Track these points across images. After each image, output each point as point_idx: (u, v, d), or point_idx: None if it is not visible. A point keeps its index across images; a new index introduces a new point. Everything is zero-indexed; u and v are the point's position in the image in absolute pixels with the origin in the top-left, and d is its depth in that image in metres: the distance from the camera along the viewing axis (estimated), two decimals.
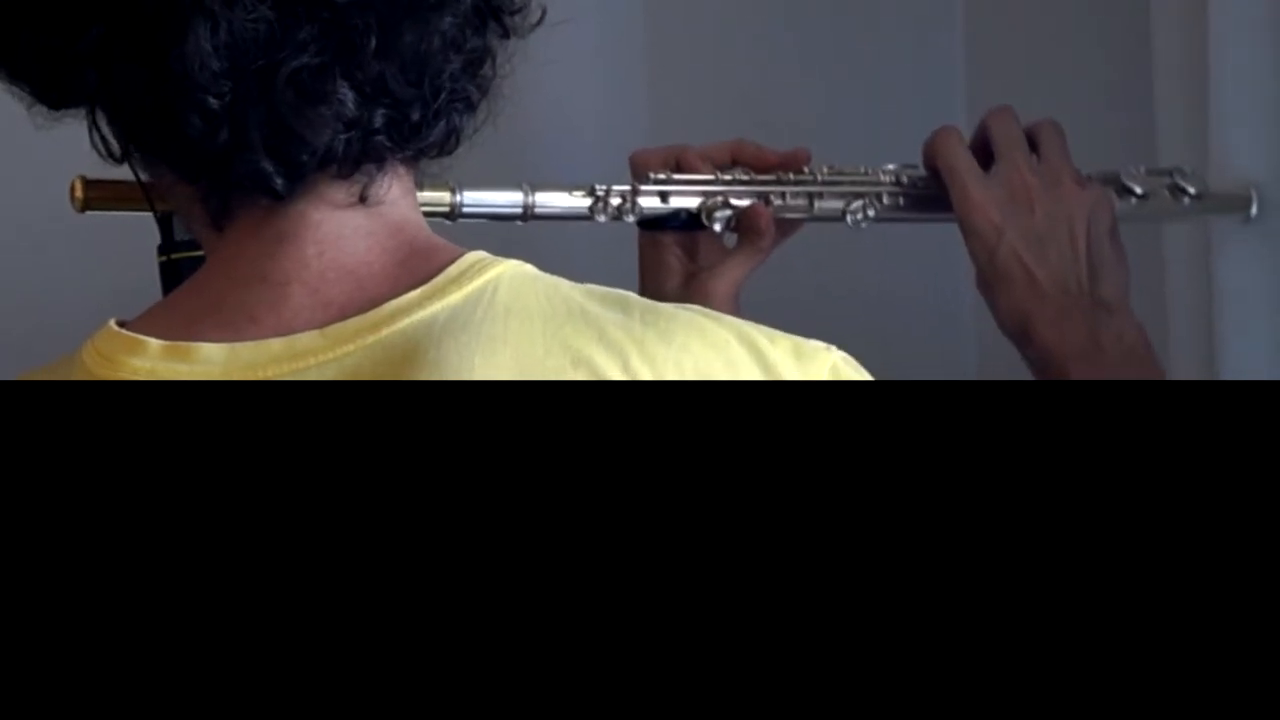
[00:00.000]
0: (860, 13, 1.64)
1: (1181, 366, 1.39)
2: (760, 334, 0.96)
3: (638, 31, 1.62)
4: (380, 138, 0.95)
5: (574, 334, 0.94)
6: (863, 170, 1.31)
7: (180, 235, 1.12)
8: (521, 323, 0.94)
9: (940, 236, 1.32)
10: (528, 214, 1.25)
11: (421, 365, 0.92)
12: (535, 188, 1.25)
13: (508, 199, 1.24)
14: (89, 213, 1.17)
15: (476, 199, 1.23)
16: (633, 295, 0.97)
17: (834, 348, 0.98)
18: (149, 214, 1.10)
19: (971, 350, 1.59)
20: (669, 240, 1.30)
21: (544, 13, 1.00)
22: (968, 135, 1.31)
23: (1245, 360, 1.35)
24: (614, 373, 0.93)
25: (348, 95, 0.93)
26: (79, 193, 1.16)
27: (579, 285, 0.97)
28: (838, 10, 1.64)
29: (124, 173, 1.00)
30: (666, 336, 0.94)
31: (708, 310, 0.98)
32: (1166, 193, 1.34)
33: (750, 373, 0.95)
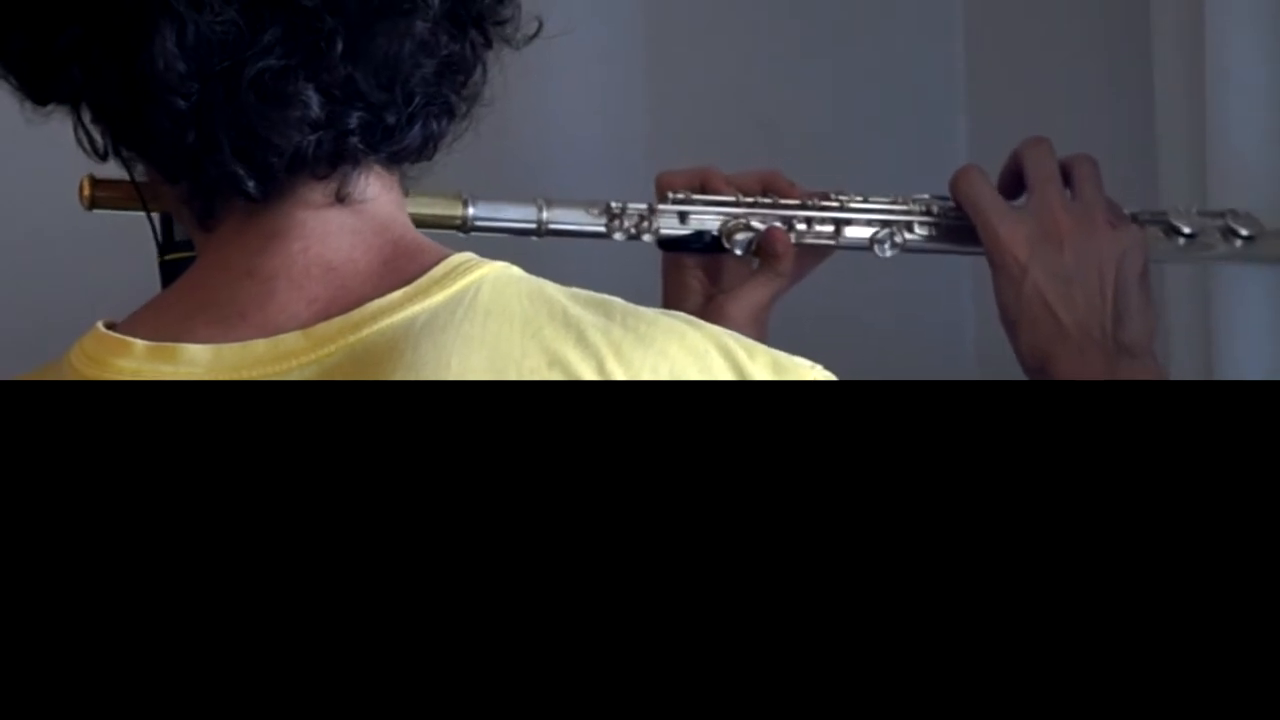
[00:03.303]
0: (861, 16, 1.64)
1: (1181, 368, 1.38)
2: (740, 346, 0.96)
3: (638, 38, 1.62)
4: (354, 139, 0.95)
5: (552, 336, 0.94)
6: (892, 199, 1.29)
7: (180, 235, 1.12)
8: (500, 324, 0.94)
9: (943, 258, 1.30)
10: (541, 229, 1.24)
11: (398, 365, 0.93)
12: (550, 203, 1.24)
13: (521, 214, 1.24)
14: (92, 213, 1.17)
15: (490, 212, 1.23)
16: (617, 300, 0.97)
17: (818, 366, 0.97)
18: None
19: (971, 349, 1.59)
20: (691, 262, 1.29)
21: (540, 25, 1.00)
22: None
23: (1244, 370, 1.34)
24: (589, 375, 0.93)
25: (312, 98, 0.93)
26: (87, 191, 1.17)
27: (564, 288, 0.97)
28: (839, 14, 1.64)
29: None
30: (645, 341, 0.94)
31: (691, 318, 0.98)
32: (1218, 234, 1.32)
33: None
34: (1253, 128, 1.33)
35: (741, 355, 0.96)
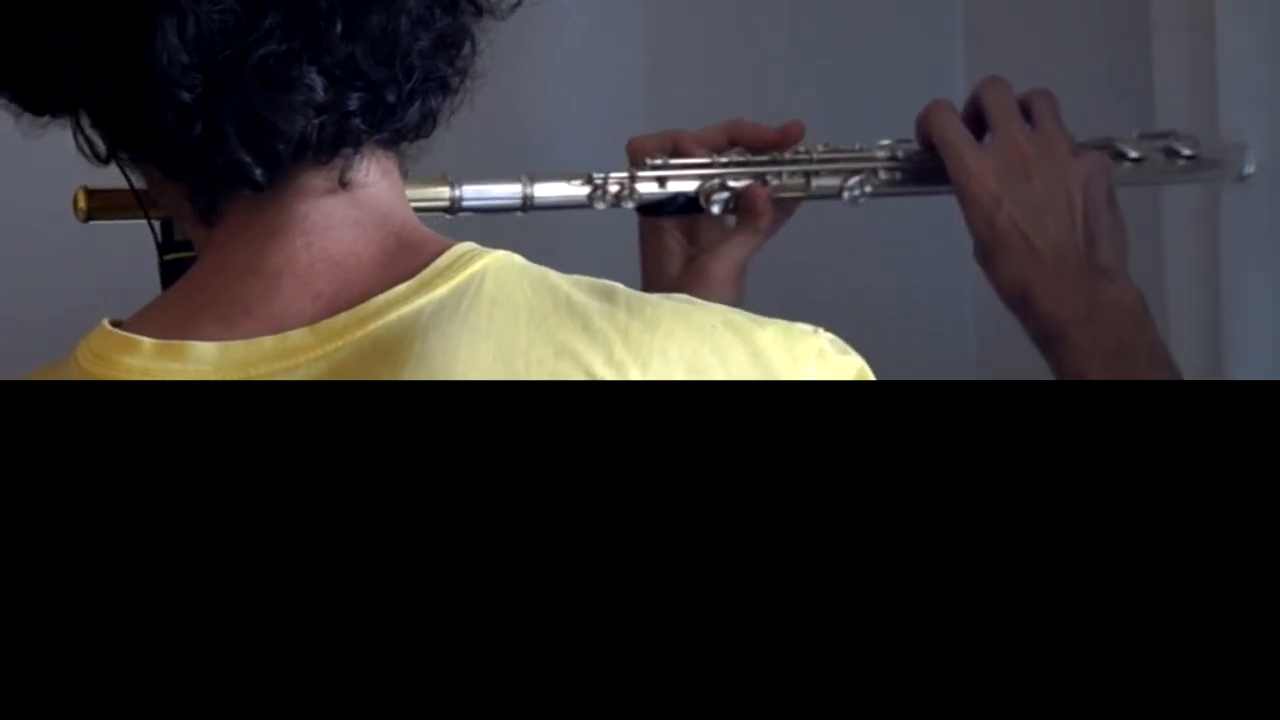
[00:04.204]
0: (861, 16, 1.64)
1: (1184, 355, 1.38)
2: (747, 319, 0.96)
3: (635, 23, 1.62)
4: (356, 120, 0.95)
5: (558, 325, 0.93)
6: (858, 147, 1.32)
7: (180, 235, 1.13)
8: (506, 314, 0.94)
9: (940, 226, 1.32)
10: (527, 205, 1.26)
11: (406, 359, 0.93)
12: (534, 179, 1.26)
13: (507, 191, 1.25)
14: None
15: (476, 193, 1.25)
16: (619, 285, 0.96)
17: (821, 330, 0.97)
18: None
19: (971, 344, 1.59)
20: (669, 225, 1.31)
21: None
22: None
23: (1248, 345, 1.36)
24: (598, 362, 0.92)
25: (316, 80, 0.93)
26: (81, 203, 1.19)
27: (567, 276, 0.96)
28: (839, 14, 1.64)
29: (124, 180, 1.02)
30: (652, 324, 0.94)
31: (694, 299, 0.98)
32: (1161, 155, 1.35)
33: (738, 356, 0.94)
34: (1253, 128, 1.34)
35: (750, 326, 0.95)
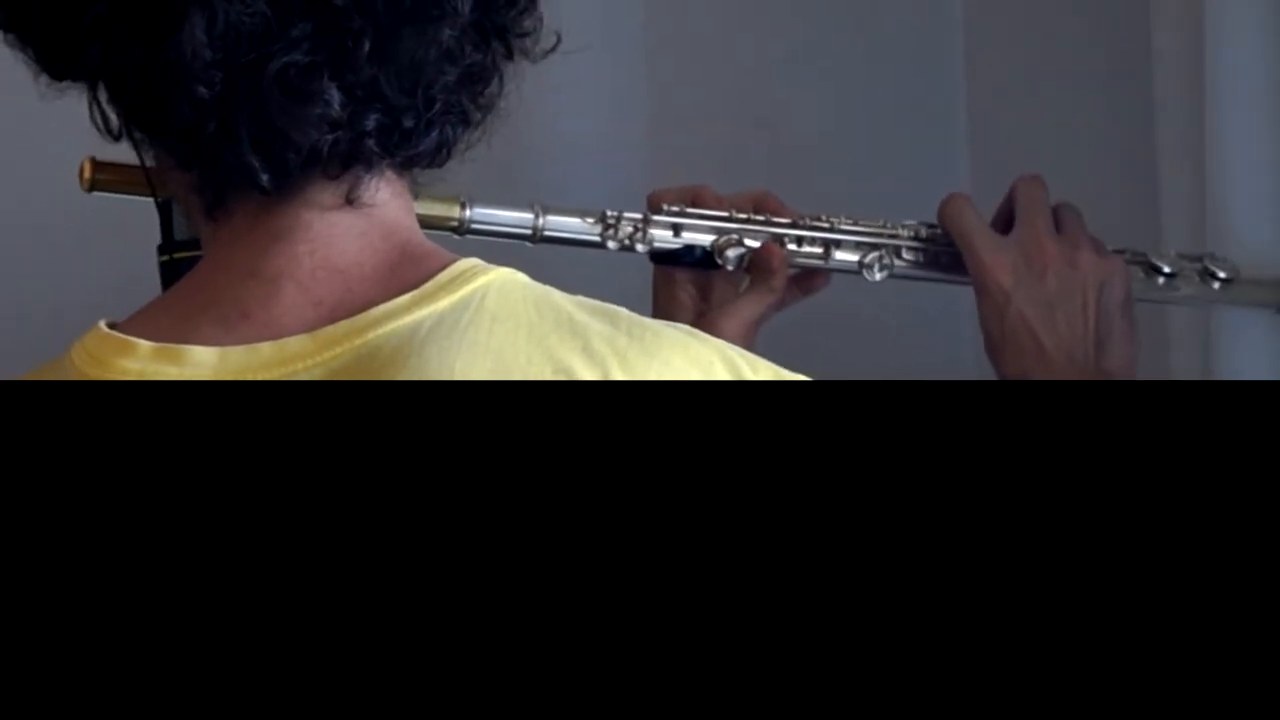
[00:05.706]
0: (861, 17, 1.64)
1: (1176, 358, 1.40)
2: (743, 359, 0.97)
3: (639, 38, 1.63)
4: (370, 141, 0.95)
5: (558, 343, 0.94)
6: (882, 223, 1.30)
7: (180, 235, 1.13)
8: (506, 330, 0.94)
9: None
10: (537, 235, 1.25)
11: (403, 370, 0.93)
12: (546, 209, 1.25)
13: (517, 219, 1.25)
14: (92, 214, 1.19)
15: (486, 216, 1.24)
16: (623, 310, 0.97)
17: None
18: (152, 213, 1.12)
19: (970, 349, 1.58)
20: (683, 277, 1.30)
21: (559, 39, 1.01)
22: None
23: (1242, 364, 1.35)
24: None
25: (334, 96, 0.93)
26: (87, 173, 1.18)
27: (570, 296, 0.97)
28: (839, 14, 1.64)
29: (133, 157, 1.01)
30: (650, 351, 0.95)
31: (695, 330, 0.99)
32: (1196, 276, 1.33)
33: None
34: (1250, 129, 1.34)
35: (745, 368, 0.96)
